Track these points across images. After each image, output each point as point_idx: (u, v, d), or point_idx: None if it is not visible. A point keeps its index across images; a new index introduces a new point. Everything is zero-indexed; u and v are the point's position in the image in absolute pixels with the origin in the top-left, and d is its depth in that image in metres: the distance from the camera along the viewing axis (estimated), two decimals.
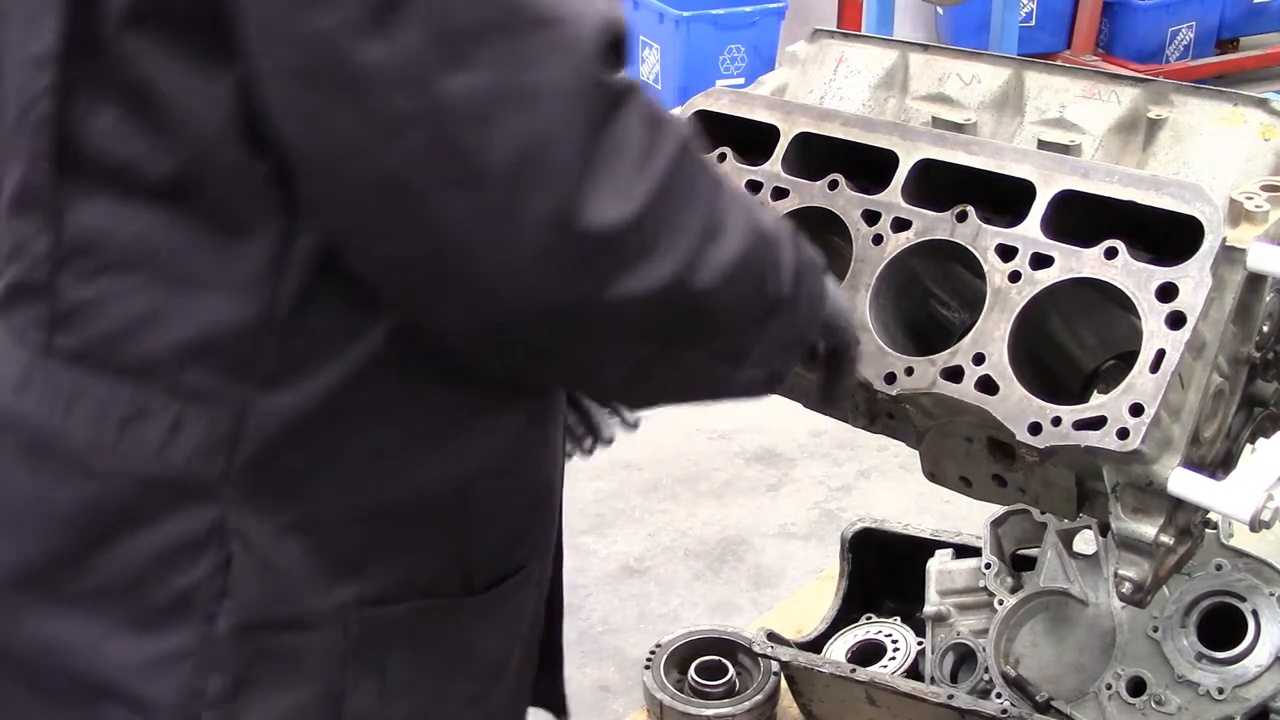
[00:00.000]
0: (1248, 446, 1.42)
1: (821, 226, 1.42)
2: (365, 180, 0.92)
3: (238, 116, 0.95)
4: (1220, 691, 1.73)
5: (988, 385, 1.30)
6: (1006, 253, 1.33)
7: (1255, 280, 1.29)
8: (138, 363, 1.01)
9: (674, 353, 1.04)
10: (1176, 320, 1.24)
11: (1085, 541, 1.89)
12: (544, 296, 0.94)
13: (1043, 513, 1.91)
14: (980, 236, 1.35)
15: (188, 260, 0.99)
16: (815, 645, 2.12)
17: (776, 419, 3.81)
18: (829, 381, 1.27)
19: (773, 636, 2.04)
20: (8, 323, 1.09)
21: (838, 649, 2.12)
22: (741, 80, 5.75)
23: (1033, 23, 6.78)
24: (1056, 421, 1.25)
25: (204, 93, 0.95)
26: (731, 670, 2.18)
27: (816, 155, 1.49)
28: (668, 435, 4.06)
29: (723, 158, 1.53)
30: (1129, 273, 1.27)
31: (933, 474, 1.49)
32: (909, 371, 1.34)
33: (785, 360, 1.15)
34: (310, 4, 0.87)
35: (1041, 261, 1.31)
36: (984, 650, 1.90)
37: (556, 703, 1.42)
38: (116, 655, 1.04)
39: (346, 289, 1.00)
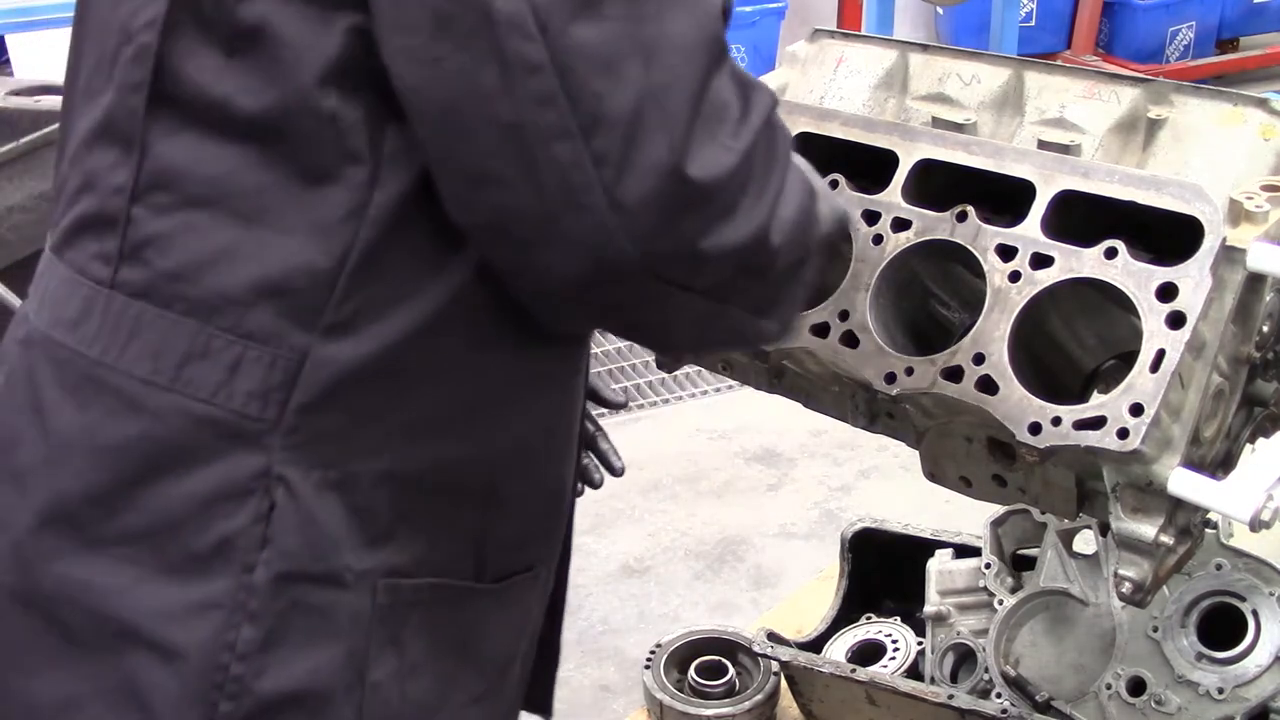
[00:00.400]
0: (1248, 446, 1.42)
1: None
2: (484, 125, 0.94)
3: (341, 64, 0.97)
4: (1220, 691, 1.73)
5: (988, 385, 1.30)
6: (1006, 253, 1.33)
7: (1255, 280, 1.28)
8: (206, 299, 1.02)
9: (727, 306, 1.07)
10: (1176, 320, 1.24)
11: (1085, 541, 1.89)
12: (644, 244, 0.96)
13: (1043, 513, 1.91)
14: (980, 236, 1.35)
15: (267, 201, 1.01)
16: (815, 645, 2.12)
17: (776, 419, 3.81)
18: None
19: (773, 636, 2.04)
20: (68, 259, 1.10)
21: (838, 649, 2.12)
22: None
23: (1033, 23, 6.79)
24: (1056, 421, 1.25)
25: (315, 38, 0.97)
26: (731, 670, 2.17)
27: (816, 155, 1.48)
28: (668, 435, 4.06)
29: None
30: (1129, 273, 1.27)
31: (933, 474, 1.49)
32: (909, 371, 1.34)
33: (797, 308, 1.18)
34: None
35: (1041, 261, 1.31)
36: (984, 650, 1.90)
37: (545, 706, 1.43)
38: (147, 600, 1.04)
39: (416, 247, 1.02)
